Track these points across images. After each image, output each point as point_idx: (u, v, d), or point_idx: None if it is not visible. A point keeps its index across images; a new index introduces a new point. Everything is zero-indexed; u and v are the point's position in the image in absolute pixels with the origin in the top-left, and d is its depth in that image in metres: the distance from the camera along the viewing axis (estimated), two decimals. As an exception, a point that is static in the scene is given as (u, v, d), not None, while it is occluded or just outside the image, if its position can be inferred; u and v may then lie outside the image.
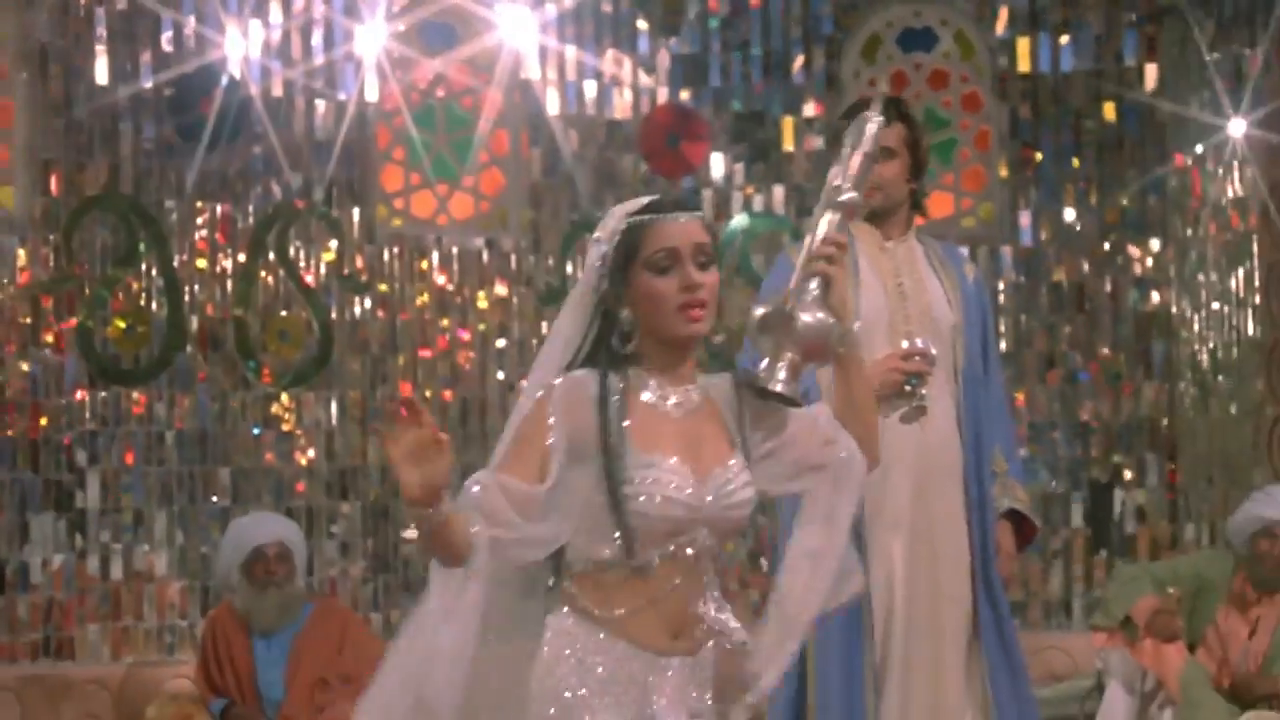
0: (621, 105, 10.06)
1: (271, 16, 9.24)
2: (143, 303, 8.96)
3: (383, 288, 9.48)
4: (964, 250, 5.83)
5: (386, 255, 9.51)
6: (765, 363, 3.62)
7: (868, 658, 5.29)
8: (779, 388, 3.57)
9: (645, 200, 3.65)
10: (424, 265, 9.62)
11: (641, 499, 3.48)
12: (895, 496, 5.30)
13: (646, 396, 3.59)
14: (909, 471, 5.31)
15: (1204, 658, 7.89)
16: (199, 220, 9.12)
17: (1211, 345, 9.61)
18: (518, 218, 9.80)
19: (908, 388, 5.09)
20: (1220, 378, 9.54)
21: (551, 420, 3.49)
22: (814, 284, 3.61)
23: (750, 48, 10.13)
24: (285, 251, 9.21)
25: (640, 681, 3.53)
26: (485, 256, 9.72)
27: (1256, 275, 9.22)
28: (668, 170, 9.98)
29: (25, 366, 8.77)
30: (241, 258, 9.14)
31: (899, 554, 5.33)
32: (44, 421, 8.78)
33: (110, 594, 8.82)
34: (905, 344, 5.18)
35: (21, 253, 8.80)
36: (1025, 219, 10.01)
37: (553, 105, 9.89)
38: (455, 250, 9.67)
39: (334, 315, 9.30)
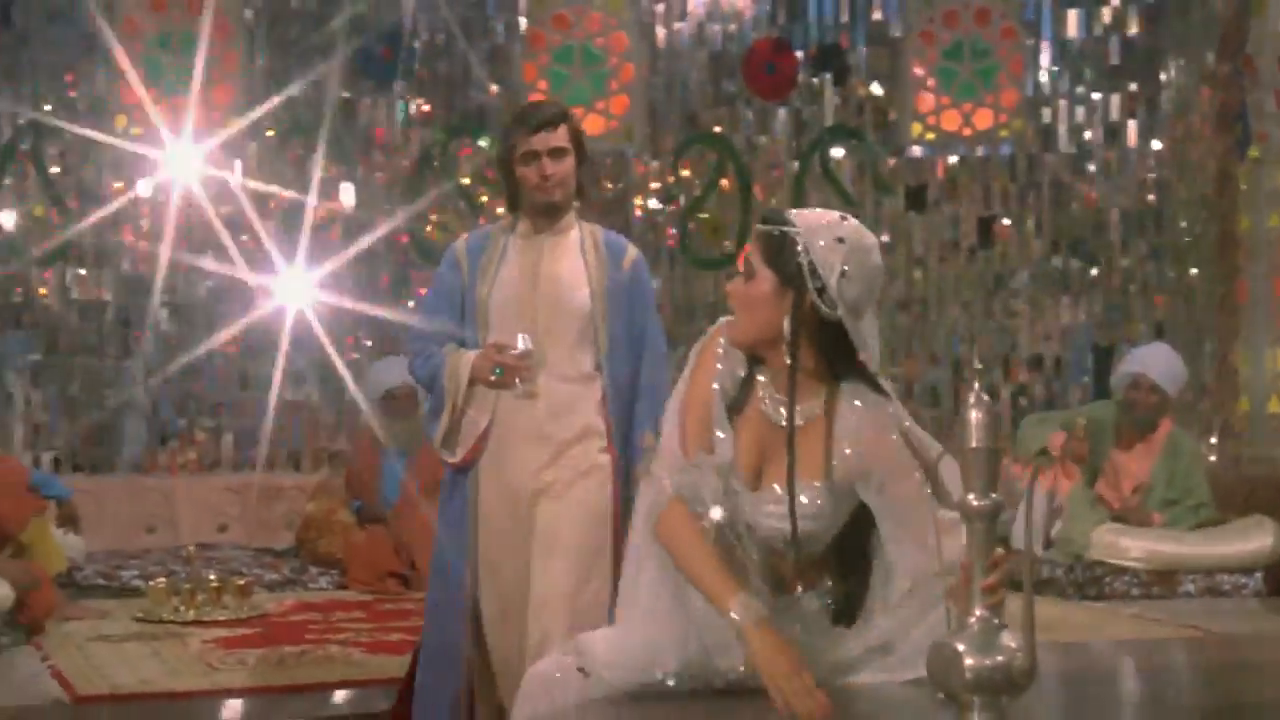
0: (725, 39, 12.49)
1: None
2: None
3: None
4: (624, 242, 5.86)
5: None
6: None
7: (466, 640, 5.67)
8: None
9: None
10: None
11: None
12: (525, 464, 5.60)
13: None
14: (538, 443, 5.62)
15: (1104, 489, 10.02)
16: None
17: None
18: (640, 132, 12.33)
19: (493, 376, 5.55)
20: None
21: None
22: None
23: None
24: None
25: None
26: (608, 163, 12.29)
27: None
28: (765, 93, 12.38)
29: None
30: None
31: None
32: None
33: None
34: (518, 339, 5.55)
35: None
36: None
37: (668, 41, 12.39)
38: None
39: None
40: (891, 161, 12.36)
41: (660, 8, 12.41)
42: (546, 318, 5.62)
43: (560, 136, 5.61)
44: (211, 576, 8.93)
